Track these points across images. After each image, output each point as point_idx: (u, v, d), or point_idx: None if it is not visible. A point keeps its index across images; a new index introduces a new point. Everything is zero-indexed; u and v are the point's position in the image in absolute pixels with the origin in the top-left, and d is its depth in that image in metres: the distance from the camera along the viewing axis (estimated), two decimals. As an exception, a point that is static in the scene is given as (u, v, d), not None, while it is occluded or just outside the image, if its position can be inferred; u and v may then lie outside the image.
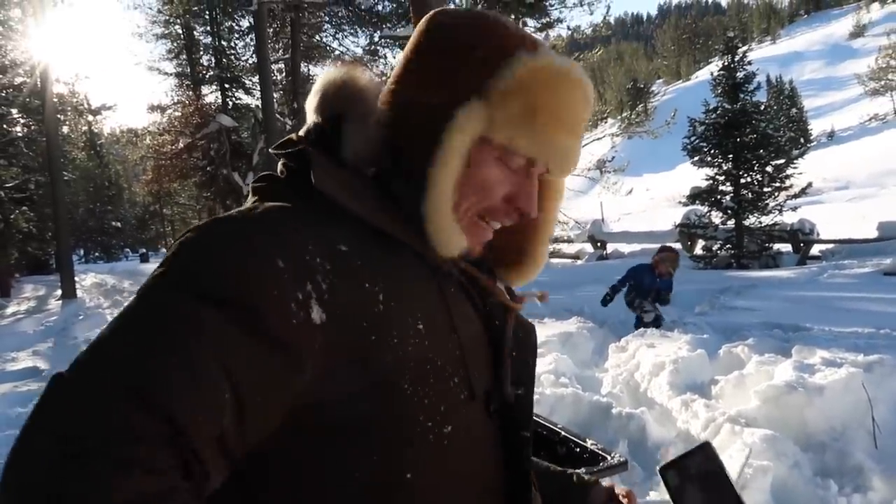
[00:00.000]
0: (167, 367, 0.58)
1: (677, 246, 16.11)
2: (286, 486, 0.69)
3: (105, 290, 17.40)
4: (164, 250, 47.40)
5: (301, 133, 0.84)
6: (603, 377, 5.27)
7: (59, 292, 15.61)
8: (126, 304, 0.67)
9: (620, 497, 1.02)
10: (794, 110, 45.16)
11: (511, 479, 0.81)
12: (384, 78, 0.88)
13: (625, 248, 16.41)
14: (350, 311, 0.67)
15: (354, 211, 0.74)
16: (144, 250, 44.11)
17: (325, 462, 0.68)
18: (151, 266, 27.14)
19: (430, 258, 0.78)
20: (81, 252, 43.46)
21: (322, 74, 0.87)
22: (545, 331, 6.50)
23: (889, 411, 3.90)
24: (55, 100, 18.39)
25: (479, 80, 0.78)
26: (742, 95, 15.19)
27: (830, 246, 13.69)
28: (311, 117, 0.84)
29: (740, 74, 15.32)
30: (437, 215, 0.76)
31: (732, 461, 1.07)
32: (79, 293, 15.67)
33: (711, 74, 16.12)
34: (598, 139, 22.97)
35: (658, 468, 1.01)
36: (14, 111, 20.78)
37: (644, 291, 7.07)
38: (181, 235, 0.72)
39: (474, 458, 0.76)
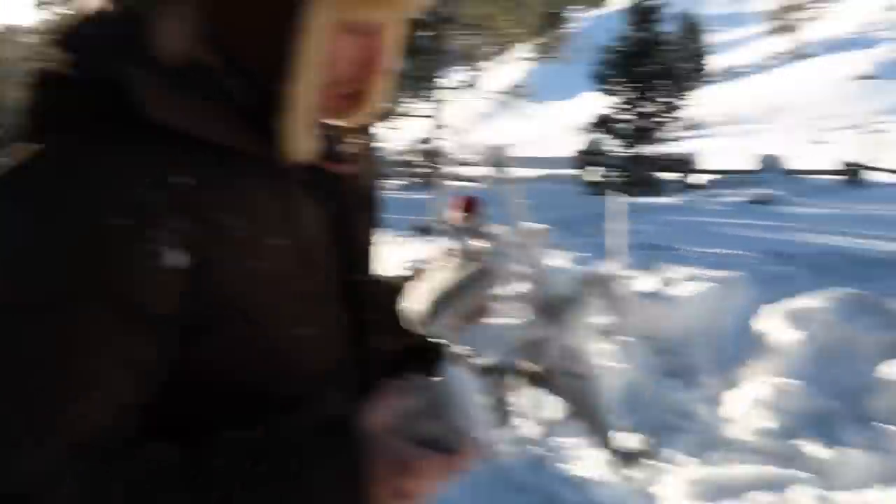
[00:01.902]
0: (42, 392, 0.56)
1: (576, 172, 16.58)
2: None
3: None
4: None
5: (74, 10, 0.66)
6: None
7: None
8: None
9: None
10: (696, 44, 46.33)
11: (359, 358, 0.81)
12: None
13: (525, 173, 16.67)
14: (209, 254, 0.61)
15: (193, 134, 0.61)
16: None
17: (202, 400, 0.67)
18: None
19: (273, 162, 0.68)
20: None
21: None
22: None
23: (734, 320, 4.36)
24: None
25: None
26: (650, 25, 15.51)
27: (716, 176, 14.57)
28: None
29: (649, 3, 15.57)
30: (298, 129, 0.66)
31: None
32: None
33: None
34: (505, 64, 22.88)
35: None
36: None
37: None
38: None
39: (331, 350, 0.76)
